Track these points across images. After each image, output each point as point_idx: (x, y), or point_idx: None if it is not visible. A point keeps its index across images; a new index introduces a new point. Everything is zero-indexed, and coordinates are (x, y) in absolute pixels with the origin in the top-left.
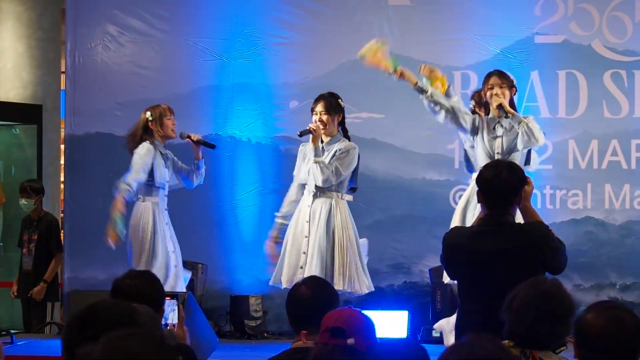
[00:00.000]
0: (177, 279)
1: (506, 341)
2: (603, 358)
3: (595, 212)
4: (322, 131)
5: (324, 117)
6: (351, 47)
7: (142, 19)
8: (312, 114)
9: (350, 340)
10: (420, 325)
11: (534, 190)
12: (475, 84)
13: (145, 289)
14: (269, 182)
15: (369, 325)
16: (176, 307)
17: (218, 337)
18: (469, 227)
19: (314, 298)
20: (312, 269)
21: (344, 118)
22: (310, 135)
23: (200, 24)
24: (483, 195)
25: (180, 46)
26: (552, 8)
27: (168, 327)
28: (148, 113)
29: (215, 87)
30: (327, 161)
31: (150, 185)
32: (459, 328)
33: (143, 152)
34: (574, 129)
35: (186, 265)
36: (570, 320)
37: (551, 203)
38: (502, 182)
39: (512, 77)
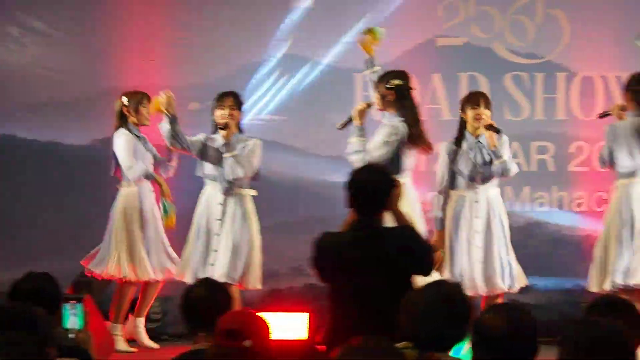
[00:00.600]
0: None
1: (403, 343)
2: (501, 358)
3: None
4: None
5: None
6: (252, 49)
7: (44, 20)
8: None
9: (247, 342)
10: (321, 327)
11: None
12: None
13: (44, 291)
14: None
15: (264, 327)
16: (78, 311)
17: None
18: (340, 232)
19: (208, 300)
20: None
21: None
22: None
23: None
24: (354, 199)
25: (83, 47)
26: (454, 11)
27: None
28: (124, 98)
29: (121, 88)
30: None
31: None
32: (331, 331)
33: (122, 142)
34: None
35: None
36: (467, 322)
37: None
38: (372, 187)
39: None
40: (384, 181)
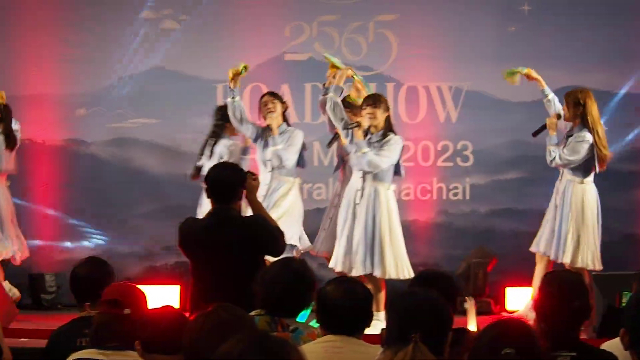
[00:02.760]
0: None
1: (256, 310)
2: (339, 323)
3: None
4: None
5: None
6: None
7: None
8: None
9: (127, 310)
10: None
11: None
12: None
13: None
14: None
15: (142, 297)
16: None
17: (18, 309)
18: (200, 219)
19: (91, 276)
20: None
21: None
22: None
23: None
24: (210, 191)
25: None
26: (299, 31)
27: None
28: None
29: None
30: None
31: None
32: (192, 302)
33: None
34: (318, 132)
35: None
36: (312, 293)
37: None
38: (224, 180)
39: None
40: (235, 176)
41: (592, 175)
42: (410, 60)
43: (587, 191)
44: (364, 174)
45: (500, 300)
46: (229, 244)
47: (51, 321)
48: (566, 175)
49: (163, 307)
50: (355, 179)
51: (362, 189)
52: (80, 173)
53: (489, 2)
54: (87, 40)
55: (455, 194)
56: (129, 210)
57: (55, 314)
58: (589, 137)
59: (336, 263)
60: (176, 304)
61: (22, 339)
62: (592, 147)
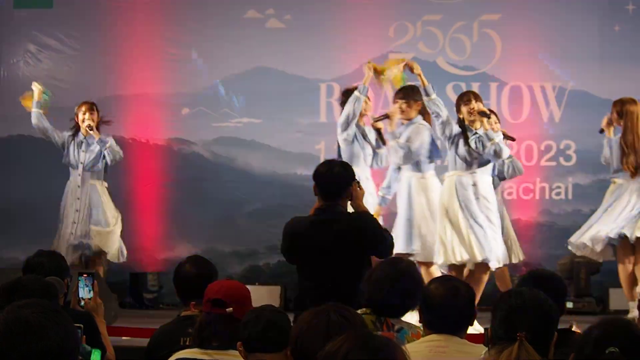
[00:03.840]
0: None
1: (363, 309)
2: (443, 322)
3: None
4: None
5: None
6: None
7: (57, 38)
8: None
9: (229, 309)
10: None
11: None
12: (339, 93)
13: (51, 265)
14: None
15: (245, 296)
16: (90, 283)
17: (120, 308)
18: (307, 216)
19: (197, 275)
20: None
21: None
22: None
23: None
24: (318, 187)
25: (88, 61)
26: (403, 30)
27: (84, 301)
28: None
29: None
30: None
31: None
32: (299, 300)
33: None
34: None
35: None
36: (419, 294)
37: None
38: (334, 176)
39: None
40: (345, 172)
41: None
42: (513, 59)
43: None
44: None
45: (603, 300)
46: (336, 238)
47: (153, 320)
48: None
49: (264, 305)
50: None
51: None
52: (184, 172)
53: (594, 1)
54: (191, 41)
55: (558, 194)
56: (232, 209)
57: (159, 312)
58: None
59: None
60: (277, 304)
61: (125, 338)
62: None
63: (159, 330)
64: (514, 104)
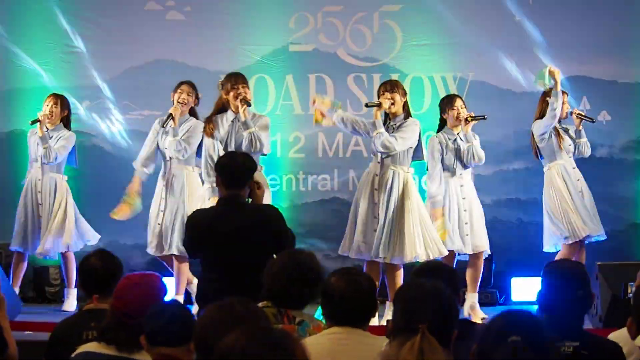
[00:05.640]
0: None
1: (263, 302)
2: (344, 315)
3: (341, 193)
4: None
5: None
6: (133, 54)
7: None
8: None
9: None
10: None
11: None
12: None
13: None
14: None
15: (155, 290)
16: None
17: (22, 302)
18: (209, 208)
19: (102, 268)
20: None
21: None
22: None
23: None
24: (221, 177)
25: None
26: (304, 21)
27: None
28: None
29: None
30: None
31: None
32: (200, 292)
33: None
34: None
35: None
36: (318, 285)
37: (303, 186)
38: (238, 165)
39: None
40: (247, 162)
41: None
42: (414, 50)
43: None
44: (381, 157)
45: (505, 291)
46: (242, 229)
47: (56, 314)
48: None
49: (167, 300)
50: (373, 164)
51: (381, 173)
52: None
53: None
54: (90, 33)
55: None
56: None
57: (60, 306)
58: None
59: (355, 249)
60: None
61: (27, 332)
62: None
63: (61, 324)
64: (416, 95)
